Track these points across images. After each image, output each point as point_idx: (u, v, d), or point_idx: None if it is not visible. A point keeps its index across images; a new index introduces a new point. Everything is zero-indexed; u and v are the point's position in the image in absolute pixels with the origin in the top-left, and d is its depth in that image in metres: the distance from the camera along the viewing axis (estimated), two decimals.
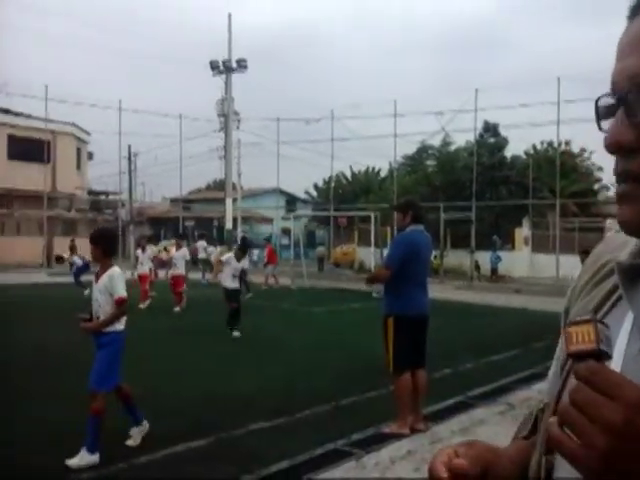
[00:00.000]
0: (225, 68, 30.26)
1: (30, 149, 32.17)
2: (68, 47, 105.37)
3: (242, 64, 30.30)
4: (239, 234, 31.78)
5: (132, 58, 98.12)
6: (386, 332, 5.05)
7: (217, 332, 10.36)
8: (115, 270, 4.37)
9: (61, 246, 32.90)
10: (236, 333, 9.75)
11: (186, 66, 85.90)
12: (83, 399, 4.31)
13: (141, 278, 14.13)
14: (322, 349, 8.95)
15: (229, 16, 30.44)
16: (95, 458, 4.07)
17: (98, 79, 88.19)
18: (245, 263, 16.76)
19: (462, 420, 5.48)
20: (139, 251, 14.77)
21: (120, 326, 4.36)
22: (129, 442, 4.51)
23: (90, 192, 43.37)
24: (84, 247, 31.54)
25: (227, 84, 30.50)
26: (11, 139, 33.70)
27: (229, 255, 10.22)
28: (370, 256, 21.06)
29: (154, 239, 24.54)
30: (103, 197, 44.83)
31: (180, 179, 32.30)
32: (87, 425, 4.12)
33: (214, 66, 30.26)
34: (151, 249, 16.06)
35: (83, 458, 4.05)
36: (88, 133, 39.30)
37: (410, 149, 35.01)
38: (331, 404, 5.77)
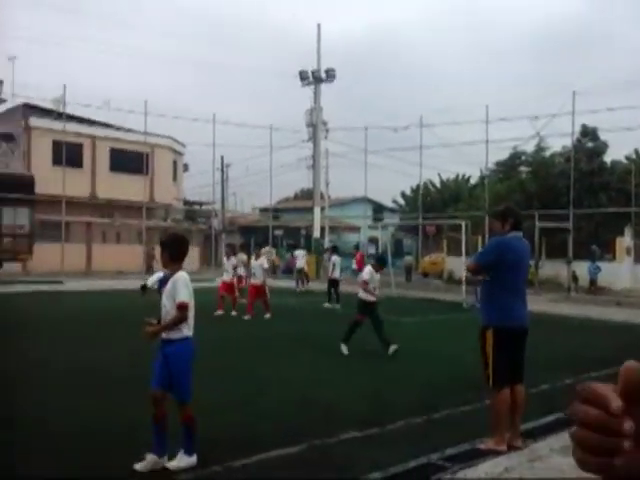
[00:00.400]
0: (314, 78, 30.67)
1: (130, 162, 33.95)
2: (164, 63, 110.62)
3: (331, 74, 30.61)
4: (327, 243, 32.04)
5: (225, 71, 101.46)
6: (484, 344, 4.87)
7: (304, 340, 10.46)
8: (180, 275, 4.28)
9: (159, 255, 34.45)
10: (344, 348, 8.98)
11: (276, 77, 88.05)
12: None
13: (222, 285, 14.22)
14: (411, 360, 8.80)
15: (318, 26, 30.89)
16: (193, 460, 4.18)
17: (193, 92, 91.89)
18: (337, 273, 16.85)
19: (562, 438, 5.19)
20: (224, 259, 14.95)
21: (188, 332, 4.26)
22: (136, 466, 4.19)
23: (185, 202, 45.18)
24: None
25: (316, 94, 30.89)
26: (113, 152, 35.73)
27: (369, 270, 9.44)
28: (460, 266, 20.58)
29: (245, 247, 25.13)
30: (197, 207, 46.52)
31: (270, 189, 32.98)
32: (183, 431, 4.19)
33: (303, 77, 30.75)
34: (240, 257, 16.39)
35: (182, 460, 4.17)
36: (184, 145, 40.99)
37: (502, 155, 34.00)
38: (423, 416, 5.65)
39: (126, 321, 12.61)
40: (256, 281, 13.68)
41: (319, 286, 22.80)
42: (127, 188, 33.05)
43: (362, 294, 9.27)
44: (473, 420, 5.53)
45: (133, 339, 10.11)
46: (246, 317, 13.06)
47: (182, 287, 4.20)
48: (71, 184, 28.23)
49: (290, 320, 13.59)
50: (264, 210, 46.01)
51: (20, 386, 6.72)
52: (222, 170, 39.68)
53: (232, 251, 15.36)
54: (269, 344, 10.07)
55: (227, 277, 14.30)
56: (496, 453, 4.71)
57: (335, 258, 17.26)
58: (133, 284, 21.98)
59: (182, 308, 4.16)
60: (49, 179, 27.67)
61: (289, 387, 6.86)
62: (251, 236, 43.44)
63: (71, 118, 30.61)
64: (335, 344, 9.78)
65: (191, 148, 41.22)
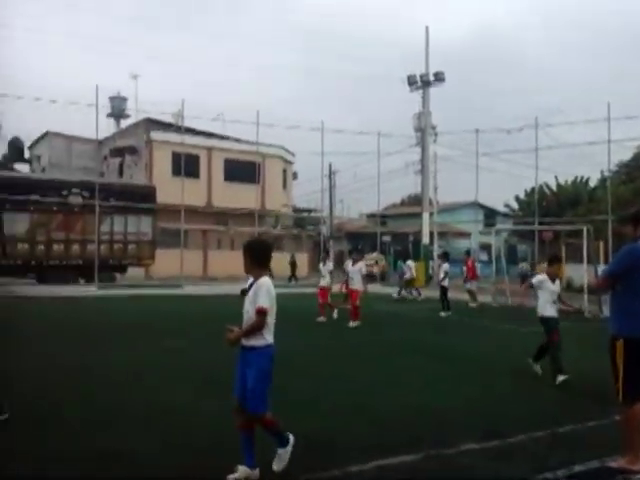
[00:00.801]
0: (422, 82, 30.34)
1: (243, 171, 35.24)
2: (275, 74, 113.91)
3: (439, 77, 30.15)
4: (436, 249, 31.49)
5: (332, 79, 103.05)
6: (614, 356, 4.55)
7: (414, 347, 10.33)
8: (263, 281, 4.14)
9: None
10: (537, 368, 7.93)
11: (383, 83, 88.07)
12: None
13: (320, 291, 14.23)
14: (531, 370, 8.41)
15: (426, 29, 30.54)
16: (289, 447, 4.22)
17: (302, 102, 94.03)
18: (446, 280, 16.53)
19: None
20: (321, 264, 14.97)
21: (269, 339, 4.13)
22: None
23: (294, 209, 46.19)
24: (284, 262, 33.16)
25: (424, 98, 30.53)
26: (227, 163, 37.27)
27: (542, 277, 7.92)
28: (580, 273, 19.45)
29: (352, 253, 25.20)
30: (306, 214, 47.41)
31: (378, 195, 32.94)
32: (269, 434, 4.21)
33: (411, 81, 30.51)
34: (347, 263, 16.44)
35: (281, 456, 4.22)
36: (293, 154, 41.98)
37: (625, 155, 31.88)
38: (546, 431, 5.37)
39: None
40: (354, 287, 13.62)
41: (426, 293, 22.45)
42: (240, 197, 34.33)
43: (546, 311, 7.76)
44: (601, 436, 5.18)
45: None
46: (351, 324, 12.97)
47: (264, 293, 4.08)
48: (189, 194, 29.70)
49: (396, 327, 13.50)
50: (371, 216, 46.04)
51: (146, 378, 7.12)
52: (330, 177, 40.22)
53: (328, 256, 15.52)
54: (378, 350, 10.03)
55: (324, 282, 14.32)
56: (629, 472, 4.38)
57: (445, 265, 16.93)
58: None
59: (261, 313, 4.05)
60: (169, 189, 29.30)
61: (401, 394, 6.78)
62: (358, 242, 43.63)
63: (189, 131, 32.24)
64: (447, 353, 9.56)
65: (300, 156, 42.14)
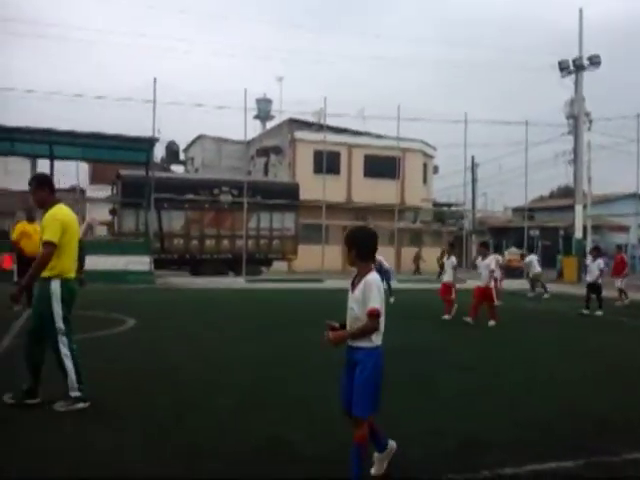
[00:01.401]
0: (575, 67, 28.41)
1: (383, 167, 35.23)
2: (413, 67, 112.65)
3: (594, 61, 28.04)
4: (589, 244, 29.35)
5: (473, 70, 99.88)
6: None
7: (566, 346, 9.68)
8: (372, 277, 3.71)
9: (409, 256, 35.24)
10: None
11: (529, 71, 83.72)
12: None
13: (442, 287, 13.38)
14: None
15: (580, 11, 28.59)
16: None
17: (442, 94, 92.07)
18: (599, 277, 15.23)
19: None
20: (444, 259, 13.97)
21: (377, 341, 3.72)
22: (372, 471, 3.89)
23: (434, 204, 45.38)
24: (428, 257, 32.86)
25: (577, 84, 28.56)
26: (367, 159, 37.44)
27: None
28: None
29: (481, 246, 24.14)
30: (446, 208, 46.38)
31: (525, 187, 31.35)
32: (351, 455, 3.65)
33: (563, 66, 28.68)
34: (495, 257, 15.69)
35: (379, 461, 3.87)
36: (434, 148, 41.22)
37: None
38: None
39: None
40: (482, 284, 12.45)
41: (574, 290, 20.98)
42: (379, 192, 34.36)
43: None
44: None
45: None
46: (467, 319, 12.00)
47: (374, 291, 3.65)
48: (330, 190, 30.26)
49: (542, 325, 12.73)
50: (518, 210, 43.96)
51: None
52: (472, 170, 38.96)
53: (452, 250, 14.34)
54: (527, 349, 9.51)
55: (446, 278, 13.42)
56: None
57: (599, 261, 15.64)
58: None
59: (374, 316, 3.62)
60: (311, 186, 30.07)
61: (553, 393, 6.35)
62: (502, 237, 41.90)
63: (330, 129, 32.83)
64: (596, 352, 8.83)
65: (441, 150, 41.26)
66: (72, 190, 38.00)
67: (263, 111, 46.44)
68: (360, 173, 37.59)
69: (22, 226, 12.81)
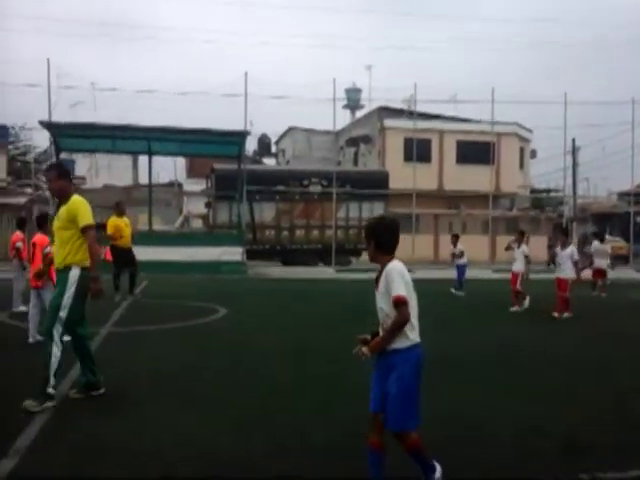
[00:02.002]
0: None
1: (476, 152, 34.15)
2: (509, 49, 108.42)
3: None
4: None
5: (571, 50, 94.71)
6: None
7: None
8: (392, 266, 3.34)
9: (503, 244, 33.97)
10: None
11: (633, 48, 78.25)
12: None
13: (512, 276, 12.53)
14: None
15: None
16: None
17: (539, 75, 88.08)
18: None
19: None
20: (515, 246, 13.00)
21: (414, 337, 3.34)
22: None
23: (532, 190, 43.49)
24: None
25: None
26: (459, 145, 36.40)
27: None
28: None
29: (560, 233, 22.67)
30: (545, 194, 44.36)
31: (632, 170, 29.35)
32: (415, 461, 3.41)
33: None
34: (595, 246, 14.69)
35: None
36: (530, 131, 39.46)
37: None
38: None
39: (479, 310, 12.65)
40: (560, 275, 11.55)
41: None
42: (473, 179, 33.33)
43: None
44: None
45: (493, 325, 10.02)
46: (555, 314, 11.23)
47: (396, 279, 3.28)
48: (420, 178, 29.71)
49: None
50: (623, 195, 41.29)
51: None
52: (573, 154, 36.92)
53: (522, 237, 13.30)
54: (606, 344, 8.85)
55: (516, 267, 12.62)
56: None
57: None
58: (481, 274, 22.18)
59: (400, 303, 3.23)
60: (401, 175, 29.65)
61: None
62: (606, 223, 39.51)
63: (420, 115, 32.20)
64: None
65: (539, 133, 39.40)
66: (170, 184, 39.68)
67: (352, 100, 46.26)
68: (452, 160, 36.61)
69: (114, 220, 13.41)
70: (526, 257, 12.64)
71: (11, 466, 3.75)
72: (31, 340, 7.79)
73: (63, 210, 5.26)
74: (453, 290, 15.40)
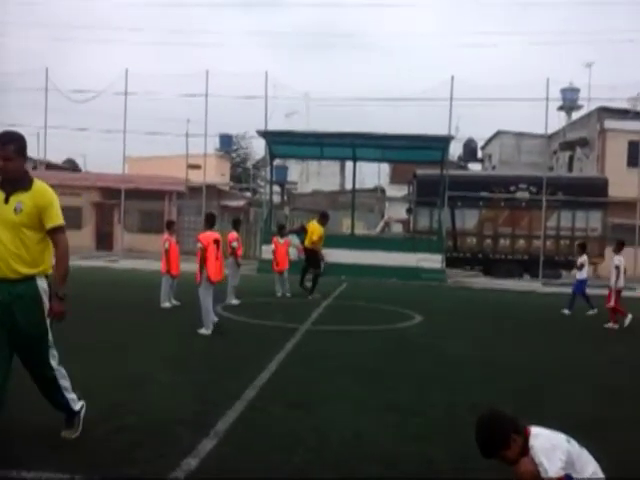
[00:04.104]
0: None
1: None
2: None
3: None
4: None
5: None
6: None
7: None
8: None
9: None
10: None
11: None
12: None
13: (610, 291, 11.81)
14: None
15: None
16: None
17: None
18: None
19: None
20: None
21: None
22: None
23: None
24: None
25: None
26: (631, 145, 31.78)
27: None
28: None
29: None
30: None
31: None
32: None
33: None
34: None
35: None
36: None
37: None
38: None
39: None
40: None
41: None
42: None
43: None
44: None
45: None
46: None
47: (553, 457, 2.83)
48: None
49: None
50: None
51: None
52: None
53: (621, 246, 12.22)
54: None
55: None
56: None
57: None
58: None
59: None
60: (623, 181, 26.82)
61: None
62: None
63: None
64: None
65: None
66: (374, 190, 40.61)
67: (568, 101, 43.08)
68: (623, 163, 32.12)
69: (319, 228, 14.35)
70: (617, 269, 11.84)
71: (210, 446, 4.08)
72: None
73: (25, 200, 3.75)
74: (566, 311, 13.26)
